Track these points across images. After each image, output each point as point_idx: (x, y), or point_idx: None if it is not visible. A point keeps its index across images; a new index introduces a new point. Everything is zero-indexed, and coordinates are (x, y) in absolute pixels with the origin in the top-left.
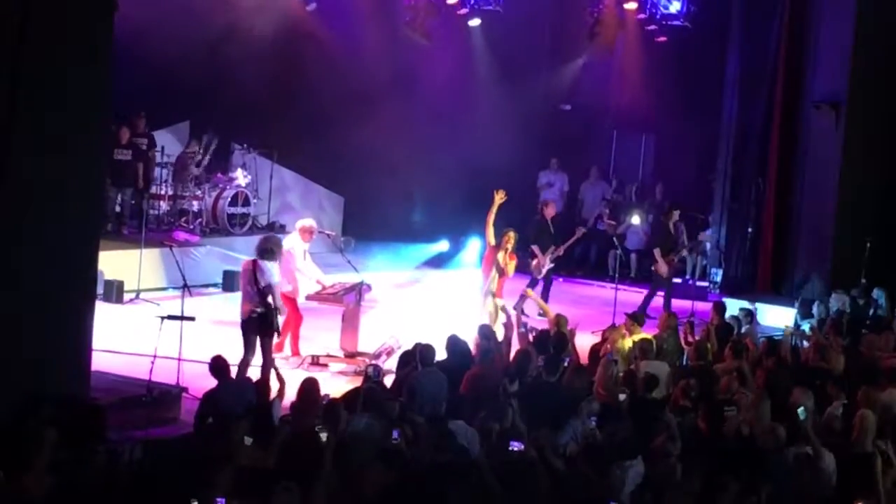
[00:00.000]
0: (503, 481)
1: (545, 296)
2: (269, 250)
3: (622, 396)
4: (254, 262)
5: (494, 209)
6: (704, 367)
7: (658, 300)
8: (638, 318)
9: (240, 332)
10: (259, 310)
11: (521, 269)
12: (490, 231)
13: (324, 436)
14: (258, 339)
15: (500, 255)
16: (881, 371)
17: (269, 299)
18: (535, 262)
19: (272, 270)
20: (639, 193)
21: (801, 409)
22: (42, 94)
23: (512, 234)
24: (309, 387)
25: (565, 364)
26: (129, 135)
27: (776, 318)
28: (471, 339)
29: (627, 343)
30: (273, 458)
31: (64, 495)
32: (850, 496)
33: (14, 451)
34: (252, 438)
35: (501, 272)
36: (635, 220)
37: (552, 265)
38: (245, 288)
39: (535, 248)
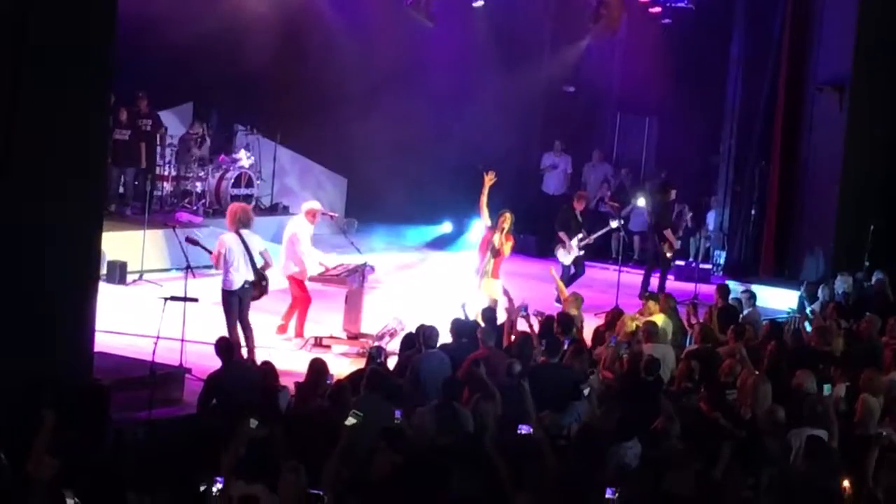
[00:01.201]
0: (510, 464)
1: (572, 283)
2: (249, 220)
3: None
4: (238, 233)
5: (486, 190)
6: (708, 350)
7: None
8: (655, 298)
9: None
10: (251, 279)
11: (533, 252)
12: (485, 212)
13: (351, 420)
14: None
15: (497, 237)
16: (881, 354)
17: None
18: (561, 248)
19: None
20: (642, 175)
21: (826, 387)
22: (44, 75)
23: (508, 215)
24: (318, 368)
25: (566, 346)
26: (126, 114)
27: (779, 300)
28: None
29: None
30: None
31: (69, 476)
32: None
33: (17, 435)
34: (258, 421)
35: (497, 253)
36: (641, 202)
37: (581, 252)
38: (239, 259)
39: (561, 234)
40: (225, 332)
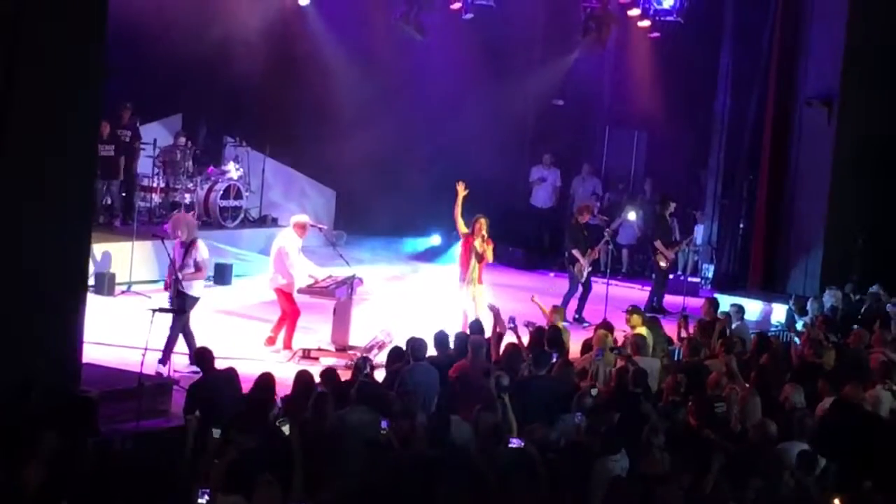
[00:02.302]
0: (500, 477)
1: (584, 300)
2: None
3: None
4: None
5: (459, 201)
6: (695, 363)
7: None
8: (639, 311)
9: (228, 323)
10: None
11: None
12: (459, 221)
13: (286, 428)
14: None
15: (477, 242)
16: (868, 368)
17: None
18: (576, 266)
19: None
20: (630, 189)
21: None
22: (32, 89)
23: (483, 220)
24: (305, 380)
25: (554, 359)
26: (108, 129)
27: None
28: (457, 332)
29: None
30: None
31: (56, 487)
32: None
33: (10, 448)
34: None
35: (480, 258)
36: (631, 215)
37: (590, 268)
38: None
39: (575, 252)
40: (203, 343)
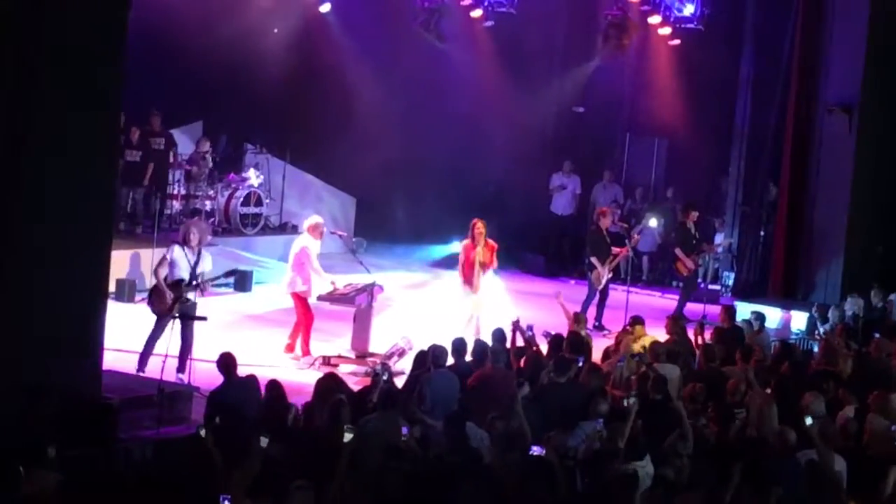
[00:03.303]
0: (519, 484)
1: (602, 306)
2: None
3: (632, 400)
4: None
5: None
6: (713, 371)
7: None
8: (640, 322)
9: (248, 330)
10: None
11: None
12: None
13: (348, 436)
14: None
15: (479, 250)
16: (890, 376)
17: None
18: (594, 273)
19: None
20: (651, 197)
21: (808, 417)
22: (54, 95)
23: (480, 224)
24: (325, 386)
25: (580, 364)
26: (138, 134)
27: (788, 321)
28: (476, 339)
29: (636, 347)
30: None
31: (75, 494)
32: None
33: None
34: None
35: (483, 265)
36: (652, 222)
37: (611, 275)
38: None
39: (594, 259)
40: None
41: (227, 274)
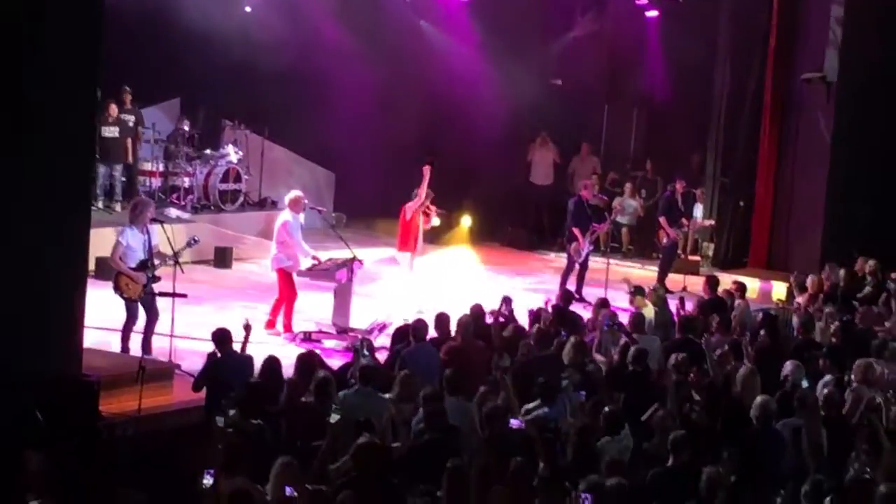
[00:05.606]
0: (500, 458)
1: (583, 278)
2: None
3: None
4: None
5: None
6: (695, 342)
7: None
8: (642, 292)
9: (228, 306)
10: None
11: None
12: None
13: (334, 417)
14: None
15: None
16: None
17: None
18: (574, 245)
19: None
20: (629, 168)
21: (789, 386)
22: (29, 70)
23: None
24: (306, 362)
25: (565, 339)
26: (117, 111)
27: (768, 292)
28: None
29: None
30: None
31: (58, 473)
32: (841, 466)
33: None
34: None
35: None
36: (629, 194)
37: (591, 247)
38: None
39: (576, 230)
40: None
41: (188, 244)
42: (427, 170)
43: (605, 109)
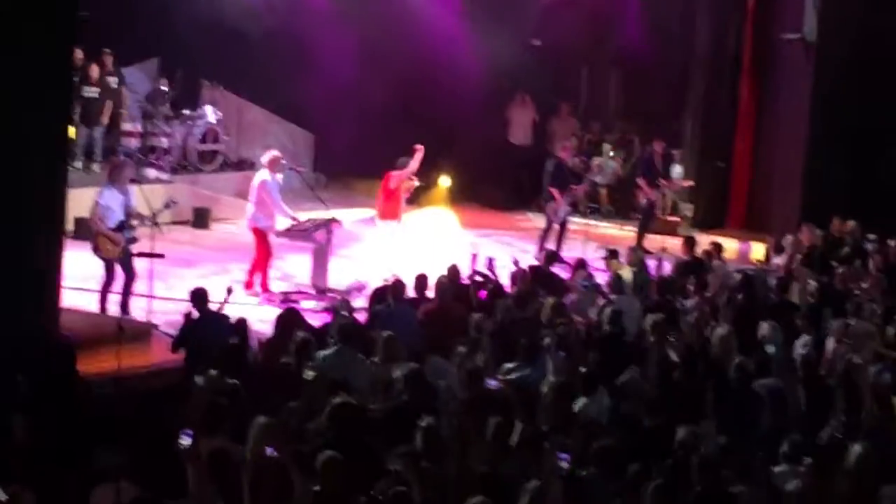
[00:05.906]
0: (478, 419)
1: (561, 239)
2: None
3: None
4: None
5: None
6: (672, 303)
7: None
8: (615, 255)
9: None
10: None
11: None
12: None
13: (309, 374)
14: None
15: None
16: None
17: None
18: (551, 205)
19: None
20: (608, 129)
21: (769, 346)
22: (4, 28)
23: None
24: (286, 322)
25: (543, 300)
26: (98, 72)
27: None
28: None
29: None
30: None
31: (38, 433)
32: (819, 426)
33: None
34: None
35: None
36: (608, 155)
37: (569, 208)
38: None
39: (553, 190)
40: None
41: (166, 205)
42: (420, 149)
43: (583, 69)
